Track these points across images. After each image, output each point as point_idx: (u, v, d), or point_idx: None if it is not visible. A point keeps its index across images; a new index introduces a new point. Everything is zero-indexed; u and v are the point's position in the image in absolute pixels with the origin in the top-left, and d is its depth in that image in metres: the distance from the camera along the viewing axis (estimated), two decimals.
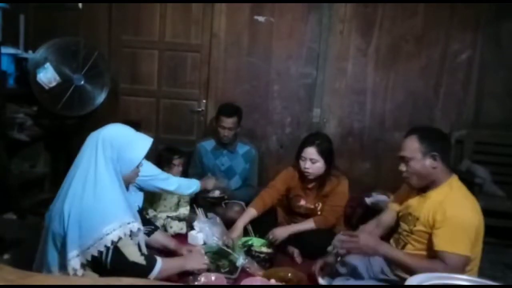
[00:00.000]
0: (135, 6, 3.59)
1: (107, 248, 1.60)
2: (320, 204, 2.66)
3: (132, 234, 1.69)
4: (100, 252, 1.60)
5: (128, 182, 1.83)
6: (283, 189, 2.73)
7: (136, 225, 1.71)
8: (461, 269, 1.72)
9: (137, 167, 1.81)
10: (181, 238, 2.66)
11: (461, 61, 3.44)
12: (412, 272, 1.70)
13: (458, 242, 1.73)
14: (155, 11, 3.59)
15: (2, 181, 2.74)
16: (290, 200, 2.76)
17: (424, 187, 1.93)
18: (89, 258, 1.61)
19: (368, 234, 1.95)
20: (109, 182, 1.68)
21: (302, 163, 2.58)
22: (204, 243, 2.55)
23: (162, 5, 3.58)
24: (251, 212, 2.60)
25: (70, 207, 1.63)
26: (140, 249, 1.77)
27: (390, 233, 2.12)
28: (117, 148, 1.71)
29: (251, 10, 3.51)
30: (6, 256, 2.41)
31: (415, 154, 1.88)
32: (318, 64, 3.52)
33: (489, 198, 3.12)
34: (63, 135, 3.18)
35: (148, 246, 1.99)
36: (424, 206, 1.89)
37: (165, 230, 2.71)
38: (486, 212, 3.03)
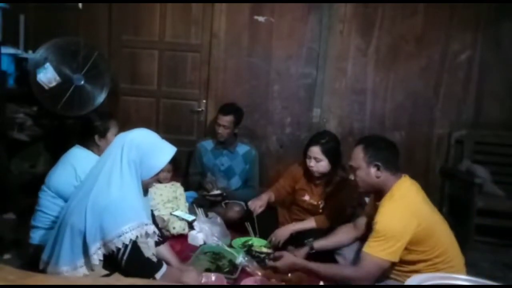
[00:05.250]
0: (135, 6, 3.59)
1: (125, 246, 1.65)
2: (323, 203, 2.68)
3: (147, 236, 1.74)
4: (118, 249, 1.65)
5: (145, 187, 1.87)
6: (287, 184, 2.79)
7: (152, 228, 1.76)
8: (375, 271, 1.80)
9: (156, 174, 1.84)
10: (182, 238, 2.66)
11: (461, 61, 3.44)
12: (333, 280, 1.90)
13: (375, 245, 1.80)
14: (155, 11, 3.59)
15: (2, 181, 2.74)
16: (295, 192, 2.79)
17: (380, 195, 1.97)
18: (110, 251, 1.66)
19: (287, 255, 2.10)
20: (131, 183, 1.73)
21: (308, 161, 2.62)
22: (204, 243, 2.55)
23: (162, 5, 3.58)
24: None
25: (94, 202, 1.68)
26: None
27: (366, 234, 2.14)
28: (141, 153, 1.77)
29: (251, 10, 3.51)
30: (6, 256, 2.42)
31: (360, 164, 1.94)
32: (318, 64, 3.52)
33: (489, 198, 3.13)
34: (63, 135, 3.17)
35: None
36: (376, 215, 1.92)
37: (167, 230, 2.71)
38: (486, 212, 3.07)
